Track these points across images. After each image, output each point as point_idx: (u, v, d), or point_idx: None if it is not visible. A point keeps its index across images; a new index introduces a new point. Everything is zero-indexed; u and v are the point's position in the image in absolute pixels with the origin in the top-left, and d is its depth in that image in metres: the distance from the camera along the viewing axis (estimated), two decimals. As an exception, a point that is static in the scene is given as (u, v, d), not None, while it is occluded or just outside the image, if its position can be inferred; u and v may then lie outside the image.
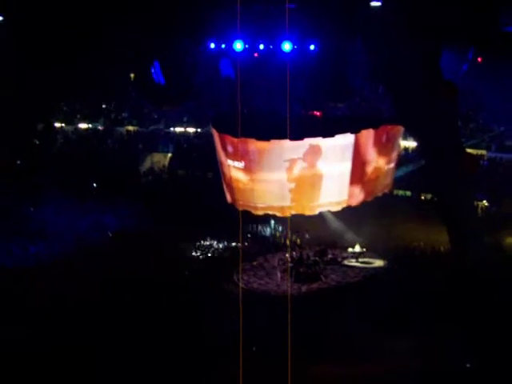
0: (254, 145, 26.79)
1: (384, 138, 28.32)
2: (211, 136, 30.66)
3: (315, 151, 26.75)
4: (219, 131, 28.64)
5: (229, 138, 27.65)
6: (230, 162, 28.12)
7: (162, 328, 26.34)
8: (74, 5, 28.95)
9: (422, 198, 42.38)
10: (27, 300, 28.86)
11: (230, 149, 27.88)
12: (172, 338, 25.60)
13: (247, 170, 27.45)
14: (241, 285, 31.80)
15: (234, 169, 28.07)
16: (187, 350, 24.79)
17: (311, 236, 37.38)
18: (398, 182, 34.14)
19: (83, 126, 58.01)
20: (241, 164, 27.47)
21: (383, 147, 28.45)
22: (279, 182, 27.33)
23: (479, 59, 27.66)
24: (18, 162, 48.64)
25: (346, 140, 26.95)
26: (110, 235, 39.18)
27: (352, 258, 36.15)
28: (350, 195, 28.41)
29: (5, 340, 25.27)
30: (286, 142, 26.33)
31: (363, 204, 29.66)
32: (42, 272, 32.54)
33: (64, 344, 25.19)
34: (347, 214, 31.23)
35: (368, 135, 27.50)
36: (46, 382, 23.28)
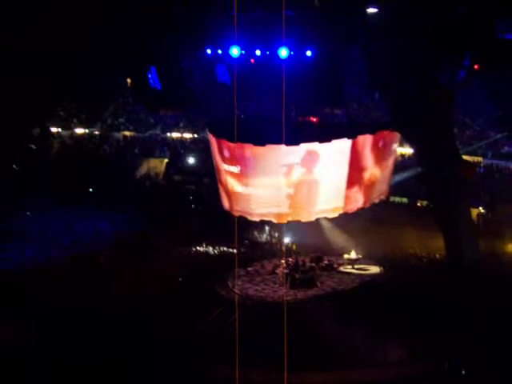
0: (251, 150, 26.74)
1: (381, 143, 28.28)
2: (208, 141, 30.62)
3: (312, 157, 26.68)
4: (216, 136, 28.61)
5: (225, 143, 27.59)
6: (225, 166, 28.06)
7: (154, 333, 26.30)
8: (71, 10, 28.95)
9: (419, 204, 42.47)
10: (23, 302, 28.81)
11: (226, 154, 27.83)
12: (165, 344, 25.56)
13: (243, 175, 27.39)
14: (236, 291, 31.88)
15: (229, 174, 28.02)
16: (181, 356, 24.77)
17: (307, 242, 37.36)
18: (395, 189, 34.11)
19: (80, 131, 58.05)
20: (237, 169, 27.41)
21: (380, 153, 28.41)
22: (276, 188, 27.24)
23: (476, 66, 27.60)
24: (14, 166, 48.77)
25: (342, 145, 26.88)
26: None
27: (348, 264, 36.16)
28: (347, 201, 28.33)
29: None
30: (282, 147, 26.29)
31: (359, 210, 29.62)
32: (38, 276, 32.43)
33: (61, 349, 25.19)
34: (343, 220, 31.20)
35: (365, 140, 27.45)
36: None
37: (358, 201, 28.79)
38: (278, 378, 19.58)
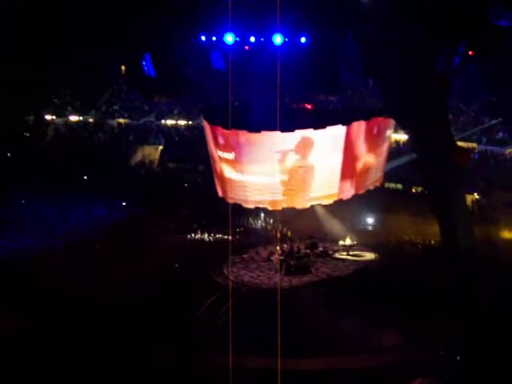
0: (245, 136, 26.70)
1: (375, 130, 28.26)
2: (202, 129, 30.59)
3: (307, 143, 26.65)
4: (210, 123, 28.57)
5: (220, 130, 27.55)
6: (220, 153, 28.01)
7: (150, 321, 26.31)
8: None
9: (413, 190, 42.46)
10: (19, 291, 28.76)
11: (221, 140, 27.79)
12: (161, 330, 25.57)
13: (238, 161, 27.35)
14: (231, 278, 31.93)
15: (224, 160, 27.99)
16: (177, 342, 24.80)
17: (302, 229, 37.39)
18: (389, 175, 34.14)
19: (74, 118, 57.96)
20: (231, 155, 27.36)
21: (374, 139, 28.40)
22: (270, 175, 27.21)
23: (470, 52, 27.58)
24: (8, 154, 48.68)
25: (337, 132, 26.85)
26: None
27: (343, 250, 36.22)
28: (341, 188, 28.32)
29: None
30: (277, 134, 26.27)
31: (354, 197, 29.61)
32: (33, 264, 32.39)
33: (56, 338, 25.16)
34: (338, 207, 31.21)
35: (359, 127, 27.42)
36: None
37: (353, 187, 28.78)
38: (272, 364, 19.60)
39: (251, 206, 28.98)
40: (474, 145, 45.16)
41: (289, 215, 32.35)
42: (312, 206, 30.42)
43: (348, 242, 36.30)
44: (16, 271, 31.39)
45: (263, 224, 40.30)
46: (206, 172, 34.18)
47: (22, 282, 29.77)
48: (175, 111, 55.66)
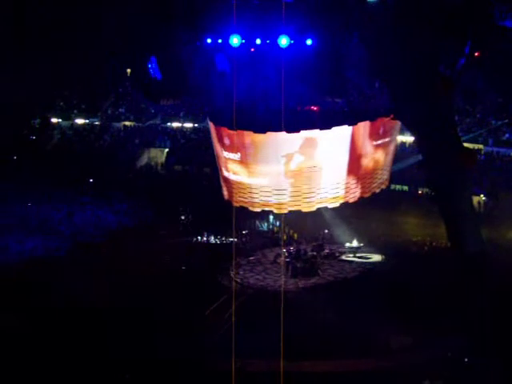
0: (251, 137, 26.64)
1: (381, 130, 28.15)
2: (208, 131, 30.56)
3: (311, 144, 26.57)
4: (216, 124, 28.54)
5: (225, 131, 27.50)
6: (226, 154, 27.95)
7: (157, 323, 26.29)
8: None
9: (420, 192, 42.40)
10: (23, 294, 28.77)
11: (226, 141, 27.73)
12: (168, 332, 25.55)
13: (243, 162, 27.26)
14: (237, 280, 31.91)
15: (230, 161, 27.92)
16: (182, 344, 24.77)
17: (308, 231, 37.37)
18: (396, 177, 34.08)
19: (80, 121, 58.05)
20: (237, 156, 27.30)
21: (380, 140, 28.29)
22: (276, 176, 27.11)
23: (476, 54, 27.53)
24: (15, 157, 48.82)
25: (342, 132, 26.75)
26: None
27: (349, 252, 36.16)
28: (347, 190, 28.23)
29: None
30: (283, 135, 26.17)
31: (360, 199, 29.53)
32: (39, 266, 32.41)
33: (62, 342, 25.14)
34: (344, 209, 31.14)
35: (365, 127, 27.29)
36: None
37: (359, 190, 28.69)
38: (277, 367, 19.57)
39: (257, 209, 28.89)
40: (481, 146, 45.05)
41: (296, 217, 32.30)
42: (318, 209, 30.37)
43: (354, 243, 36.23)
44: (22, 273, 31.40)
45: (270, 226, 40.27)
46: (212, 175, 34.15)
47: (28, 284, 29.78)
48: (181, 114, 55.65)
